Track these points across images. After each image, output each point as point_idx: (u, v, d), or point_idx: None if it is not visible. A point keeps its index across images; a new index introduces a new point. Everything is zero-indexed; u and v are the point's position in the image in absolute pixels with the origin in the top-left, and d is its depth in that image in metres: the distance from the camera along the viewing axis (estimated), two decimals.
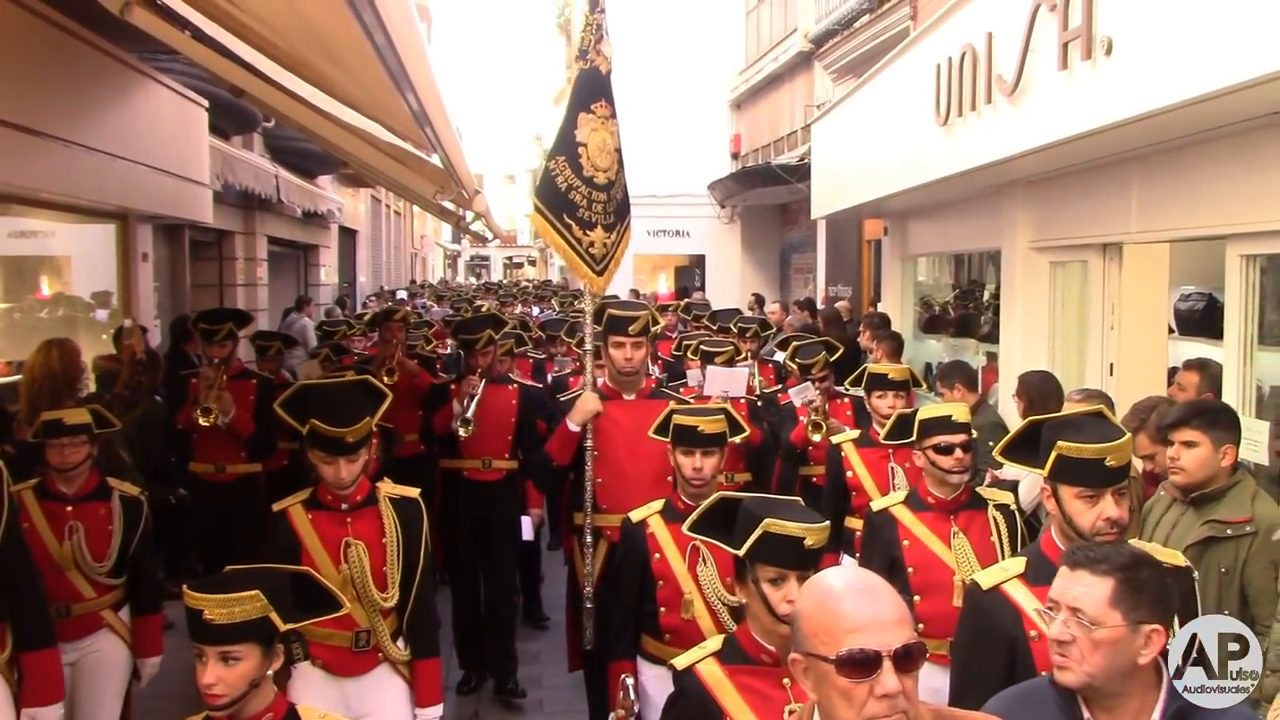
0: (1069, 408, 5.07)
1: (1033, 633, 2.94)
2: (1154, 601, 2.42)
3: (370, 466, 4.12)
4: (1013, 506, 4.18)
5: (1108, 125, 4.88)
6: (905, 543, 4.11)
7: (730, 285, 21.27)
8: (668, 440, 4.22)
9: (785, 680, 2.82)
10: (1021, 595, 3.02)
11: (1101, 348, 6.71)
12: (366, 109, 4.61)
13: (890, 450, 5.33)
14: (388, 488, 4.12)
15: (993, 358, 8.56)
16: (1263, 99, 4.22)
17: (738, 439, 4.68)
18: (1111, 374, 6.57)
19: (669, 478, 4.52)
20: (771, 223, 21.88)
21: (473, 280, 49.42)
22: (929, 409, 4.40)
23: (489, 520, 6.45)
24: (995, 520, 4.08)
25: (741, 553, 2.96)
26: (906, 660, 1.93)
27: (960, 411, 4.25)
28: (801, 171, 14.38)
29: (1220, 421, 3.96)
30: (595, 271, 5.09)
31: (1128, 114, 4.68)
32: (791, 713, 2.70)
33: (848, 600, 1.99)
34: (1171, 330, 7.08)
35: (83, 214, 8.97)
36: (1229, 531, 3.78)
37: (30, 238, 9.07)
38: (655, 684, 3.89)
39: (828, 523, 2.97)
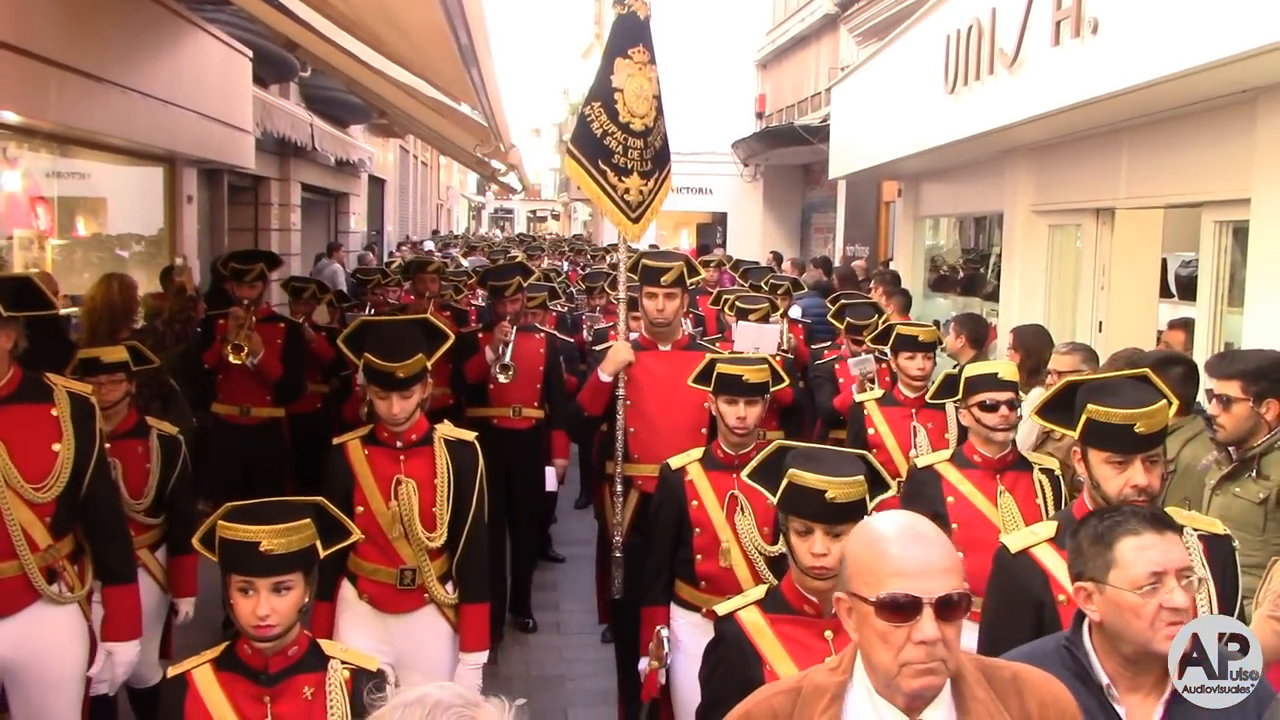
0: (1055, 358, 5.54)
1: (1061, 597, 2.89)
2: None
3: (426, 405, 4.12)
4: (1057, 471, 4.12)
5: (1093, 98, 5.31)
6: (950, 499, 4.03)
7: (751, 243, 21.55)
8: (708, 389, 4.18)
9: (827, 632, 2.83)
10: (1051, 559, 2.96)
11: (1092, 306, 7.15)
12: (416, 68, 4.98)
13: (913, 409, 5.30)
14: (445, 430, 4.12)
15: (996, 315, 8.99)
16: (1229, 78, 4.63)
17: (778, 388, 4.57)
18: (1100, 331, 7.01)
19: (703, 429, 4.62)
20: (793, 182, 22.15)
21: (496, 232, 49.77)
22: (975, 366, 4.39)
23: (516, 469, 6.39)
24: (1041, 483, 4.03)
25: (775, 502, 3.00)
26: (948, 609, 1.92)
27: (1007, 369, 4.22)
28: (823, 133, 14.60)
29: (1172, 371, 4.39)
30: (631, 219, 5.04)
31: (1110, 88, 5.10)
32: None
33: (895, 544, 1.99)
34: (1171, 294, 7.48)
35: (134, 156, 9.40)
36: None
37: (70, 178, 9.27)
38: (688, 630, 3.90)
39: (859, 477, 2.91)
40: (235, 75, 10.35)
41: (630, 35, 5.00)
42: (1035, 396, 5.58)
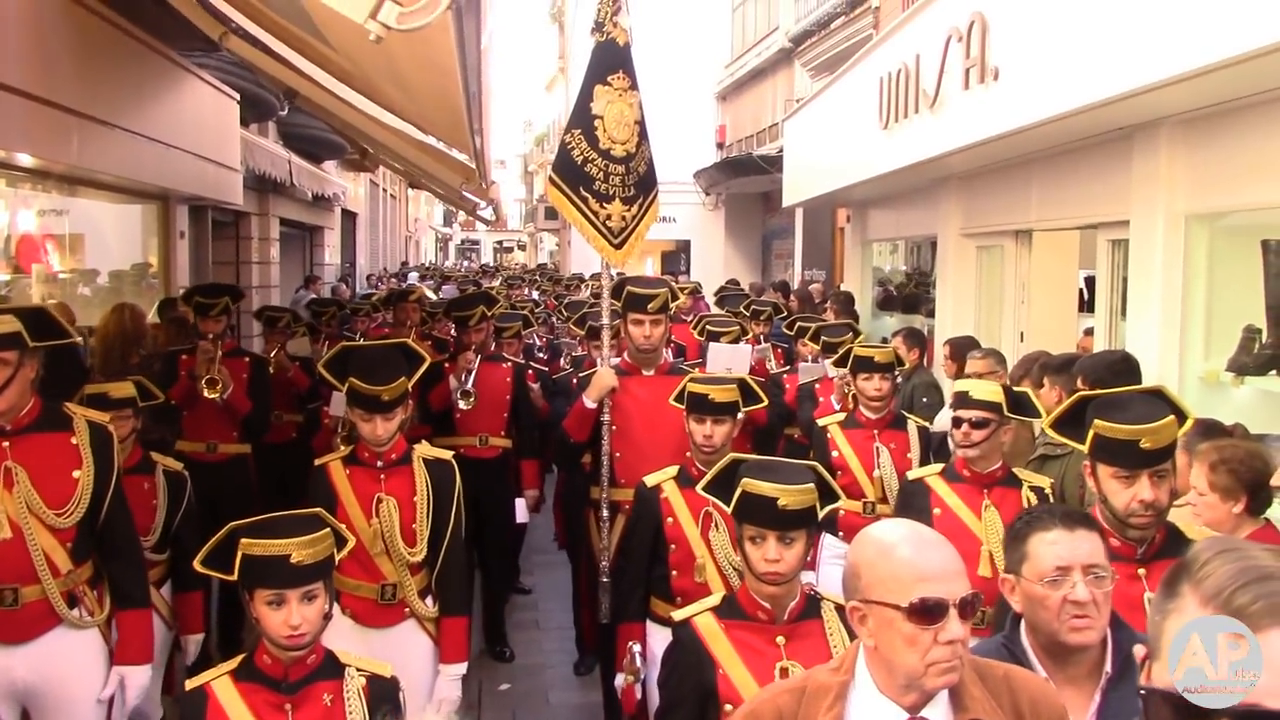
0: (970, 362, 6.30)
1: None
2: None
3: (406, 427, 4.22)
4: (1047, 489, 4.20)
5: (998, 135, 6.11)
6: (936, 511, 4.11)
7: (714, 269, 22.09)
8: (681, 407, 4.27)
9: (779, 638, 2.93)
10: None
11: (1014, 319, 7.94)
12: (410, 115, 5.61)
13: (875, 430, 5.39)
14: (423, 449, 4.22)
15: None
16: (1107, 117, 5.44)
17: (753, 409, 4.65)
18: (1022, 340, 7.77)
19: (687, 453, 4.58)
20: (754, 210, 22.79)
21: (465, 263, 50.18)
22: (960, 383, 4.53)
23: (483, 499, 6.25)
24: (1029, 500, 4.08)
25: (729, 511, 3.08)
26: (968, 609, 2.00)
27: (978, 389, 4.28)
28: (780, 162, 15.21)
29: (1064, 370, 5.15)
30: (614, 245, 5.06)
31: (1011, 126, 5.91)
32: (784, 670, 2.87)
33: (912, 551, 2.05)
34: (1089, 307, 8.27)
35: (130, 194, 9.97)
36: (1057, 451, 4.77)
37: (48, 215, 9.22)
38: (664, 645, 3.83)
39: (809, 485, 2.97)
40: (225, 117, 10.96)
41: (610, 62, 5.04)
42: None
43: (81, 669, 3.82)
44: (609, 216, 5.01)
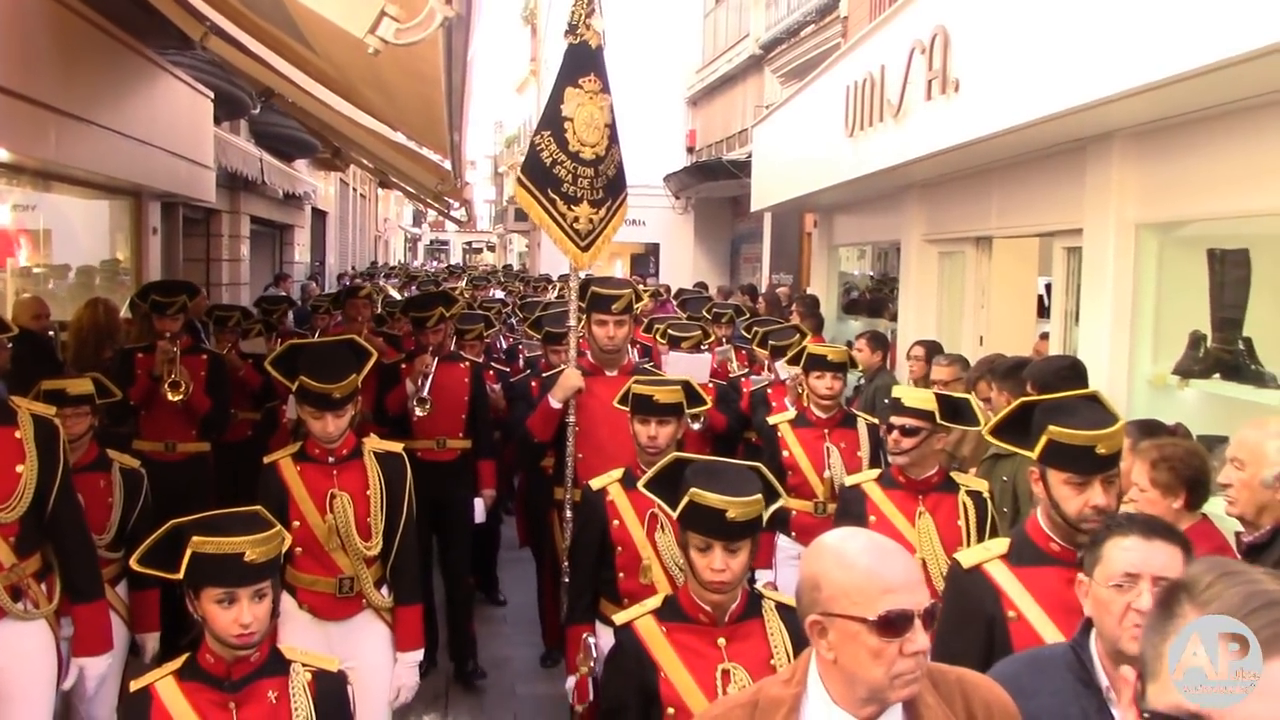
0: (935, 369, 6.50)
1: (1011, 613, 2.95)
2: None
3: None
4: (985, 494, 4.22)
5: (959, 144, 6.31)
6: (871, 518, 4.12)
7: (683, 273, 22.34)
8: (625, 409, 4.28)
9: (720, 639, 2.94)
10: (1003, 575, 3.01)
11: (974, 323, 8.16)
12: (388, 117, 5.73)
13: (826, 430, 5.42)
14: (373, 443, 4.23)
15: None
16: (1061, 129, 5.65)
17: (697, 411, 4.64)
18: (981, 344, 7.99)
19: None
20: (723, 214, 23.00)
21: (434, 263, 50.04)
22: (896, 389, 4.59)
23: (442, 502, 6.23)
24: (964, 505, 4.12)
25: (675, 516, 3.05)
26: (930, 619, 1.99)
27: (911, 396, 4.33)
28: (750, 167, 15.31)
29: (1012, 376, 5.34)
30: (580, 247, 5.07)
31: (970, 136, 6.11)
32: (725, 672, 2.88)
33: (874, 562, 2.02)
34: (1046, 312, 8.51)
35: (103, 190, 10.02)
36: (1008, 449, 4.98)
37: (22, 210, 9.36)
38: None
39: (758, 496, 2.94)
40: (199, 115, 11.04)
41: (581, 65, 5.05)
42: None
43: (25, 658, 3.81)
44: (576, 219, 5.03)
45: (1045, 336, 7.33)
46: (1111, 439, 2.94)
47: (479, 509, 6.53)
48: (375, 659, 4.10)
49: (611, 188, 5.14)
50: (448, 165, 6.34)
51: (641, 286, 14.58)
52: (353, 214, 31.60)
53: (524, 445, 5.32)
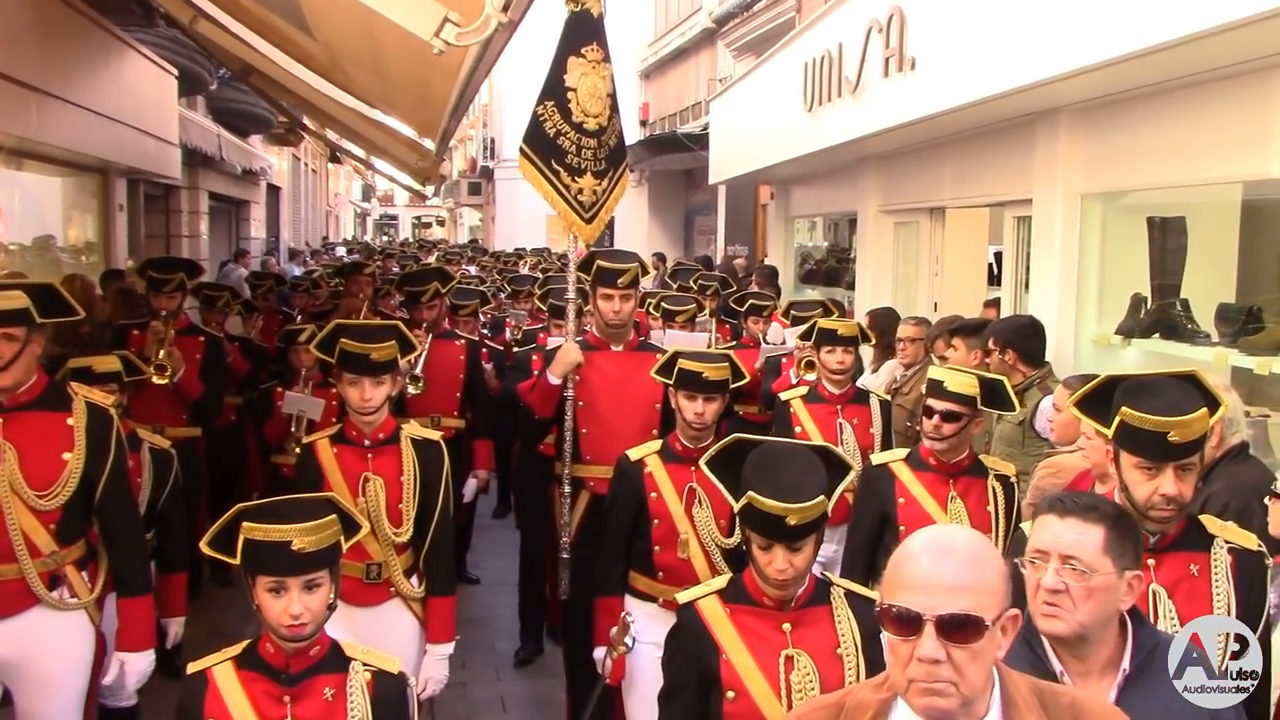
0: (902, 327, 6.74)
1: (901, 499, 3.23)
2: (1134, 549, 2.41)
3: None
4: (1012, 479, 4.10)
5: (915, 119, 6.66)
6: (900, 500, 4.01)
7: (638, 245, 22.16)
8: (668, 383, 4.18)
9: (785, 624, 2.84)
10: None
11: (929, 290, 8.53)
12: (372, 98, 5.92)
13: (838, 405, 5.33)
14: (412, 429, 4.19)
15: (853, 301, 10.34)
16: (1011, 105, 6.01)
17: (739, 386, 4.49)
18: (935, 310, 8.34)
19: (654, 430, 4.56)
20: (677, 187, 23.04)
21: (384, 238, 49.66)
22: (935, 371, 4.31)
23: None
24: (994, 490, 4.01)
25: (735, 510, 2.95)
26: (953, 630, 1.85)
27: (954, 380, 4.05)
28: (704, 140, 15.42)
29: (977, 333, 5.71)
30: (584, 219, 4.96)
31: (926, 112, 6.46)
32: (789, 659, 2.79)
33: (913, 556, 1.95)
34: (996, 280, 8.87)
35: (71, 167, 10.09)
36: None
37: None
38: (644, 621, 3.90)
39: (819, 499, 2.78)
40: (164, 92, 11.13)
41: (584, 33, 4.92)
42: (887, 370, 6.87)
43: (60, 647, 3.74)
44: (580, 190, 4.92)
45: (991, 304, 7.64)
46: (1187, 426, 2.75)
47: (470, 488, 6.44)
48: (402, 648, 3.90)
49: (613, 158, 5.05)
50: (429, 144, 6.49)
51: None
52: (304, 189, 31.45)
53: (526, 421, 5.26)
